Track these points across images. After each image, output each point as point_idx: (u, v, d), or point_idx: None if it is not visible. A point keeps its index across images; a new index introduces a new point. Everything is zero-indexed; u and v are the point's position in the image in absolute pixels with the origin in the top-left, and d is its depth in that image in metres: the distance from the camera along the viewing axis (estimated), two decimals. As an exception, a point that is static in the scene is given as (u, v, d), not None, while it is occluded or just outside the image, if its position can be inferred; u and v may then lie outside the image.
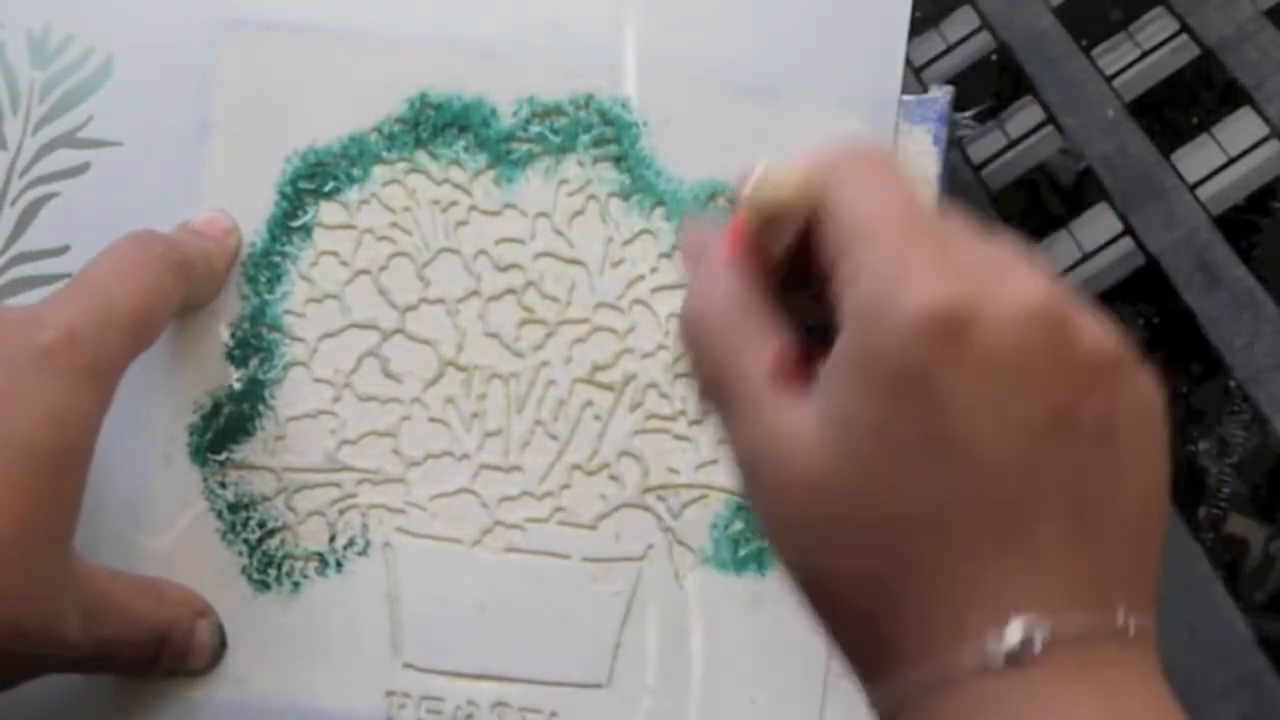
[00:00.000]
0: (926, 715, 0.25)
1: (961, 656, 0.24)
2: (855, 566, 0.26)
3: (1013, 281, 0.25)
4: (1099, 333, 0.26)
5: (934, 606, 0.25)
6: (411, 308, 0.41)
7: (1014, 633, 0.24)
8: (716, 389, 0.28)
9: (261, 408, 0.40)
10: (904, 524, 0.25)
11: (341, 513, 0.40)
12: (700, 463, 0.40)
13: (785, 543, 0.27)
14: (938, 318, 0.24)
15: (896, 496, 0.25)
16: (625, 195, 0.41)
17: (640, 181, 0.41)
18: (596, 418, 0.40)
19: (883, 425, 0.25)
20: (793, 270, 0.28)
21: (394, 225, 0.41)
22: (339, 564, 0.40)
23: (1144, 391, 0.27)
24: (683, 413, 0.40)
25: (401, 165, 0.41)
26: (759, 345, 0.27)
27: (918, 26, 0.49)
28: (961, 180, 0.49)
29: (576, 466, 0.40)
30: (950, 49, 0.50)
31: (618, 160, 0.41)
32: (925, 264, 0.25)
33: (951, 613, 0.25)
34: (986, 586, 0.24)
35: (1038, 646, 0.24)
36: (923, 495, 0.25)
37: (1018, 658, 0.24)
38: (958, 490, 0.24)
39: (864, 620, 0.26)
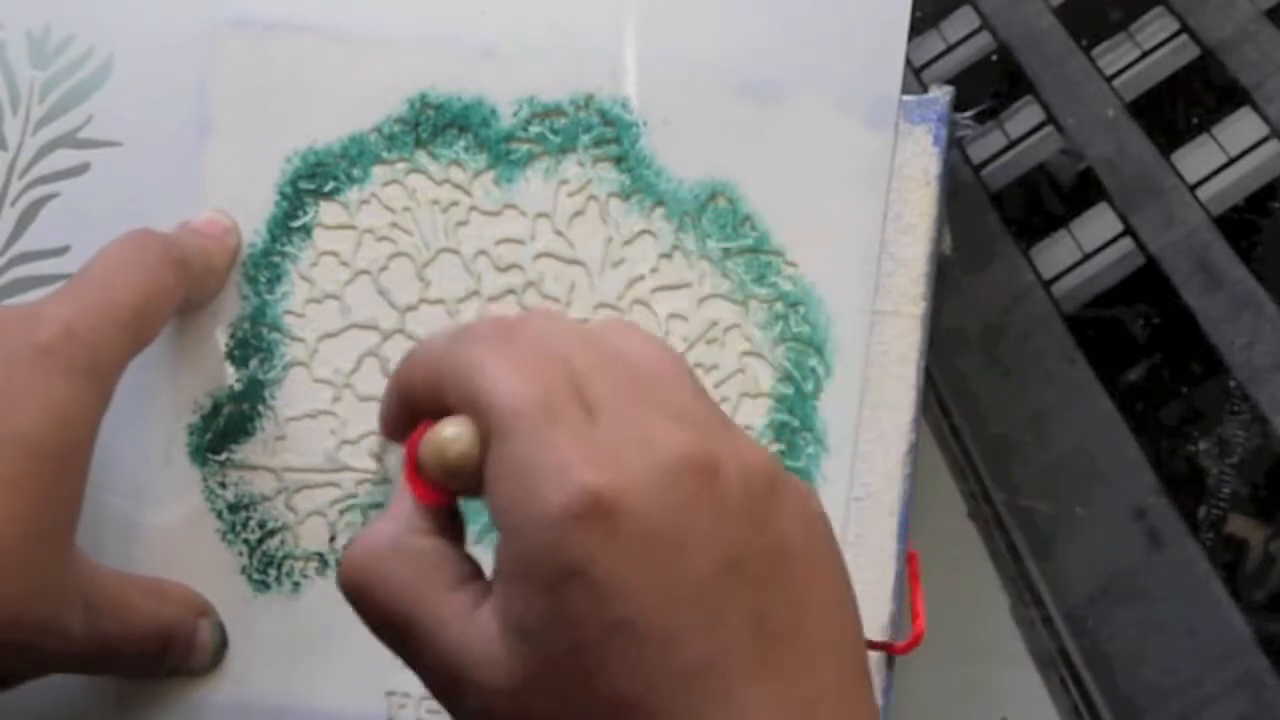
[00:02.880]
0: None
1: None
2: None
3: (653, 441, 0.25)
4: (746, 460, 0.26)
5: None
6: (411, 308, 0.41)
7: None
8: (400, 620, 0.27)
9: (261, 408, 0.40)
10: (617, 708, 0.24)
11: (341, 513, 0.40)
12: (700, 463, 0.40)
13: None
14: (581, 506, 0.24)
15: (587, 694, 0.24)
16: (625, 195, 0.41)
17: (640, 181, 0.41)
18: (596, 418, 0.40)
19: (555, 623, 0.24)
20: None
21: (394, 225, 0.41)
22: (339, 564, 0.40)
23: (802, 502, 0.26)
24: (683, 413, 0.40)
25: (401, 165, 0.41)
26: (435, 569, 0.27)
27: (918, 26, 0.49)
28: (961, 180, 0.49)
29: (576, 466, 0.40)
30: (950, 49, 0.50)
31: (618, 160, 0.41)
32: (562, 449, 0.25)
33: None
34: None
35: None
36: (615, 684, 0.24)
37: None
38: (646, 670, 0.24)
39: None
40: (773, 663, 0.25)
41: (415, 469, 0.28)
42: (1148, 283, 0.47)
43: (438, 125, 0.42)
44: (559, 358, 0.27)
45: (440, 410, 0.28)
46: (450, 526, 0.29)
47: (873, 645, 0.37)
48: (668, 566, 0.24)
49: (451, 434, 0.27)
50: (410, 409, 0.29)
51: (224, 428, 0.40)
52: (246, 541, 0.40)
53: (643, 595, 0.24)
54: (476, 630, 0.26)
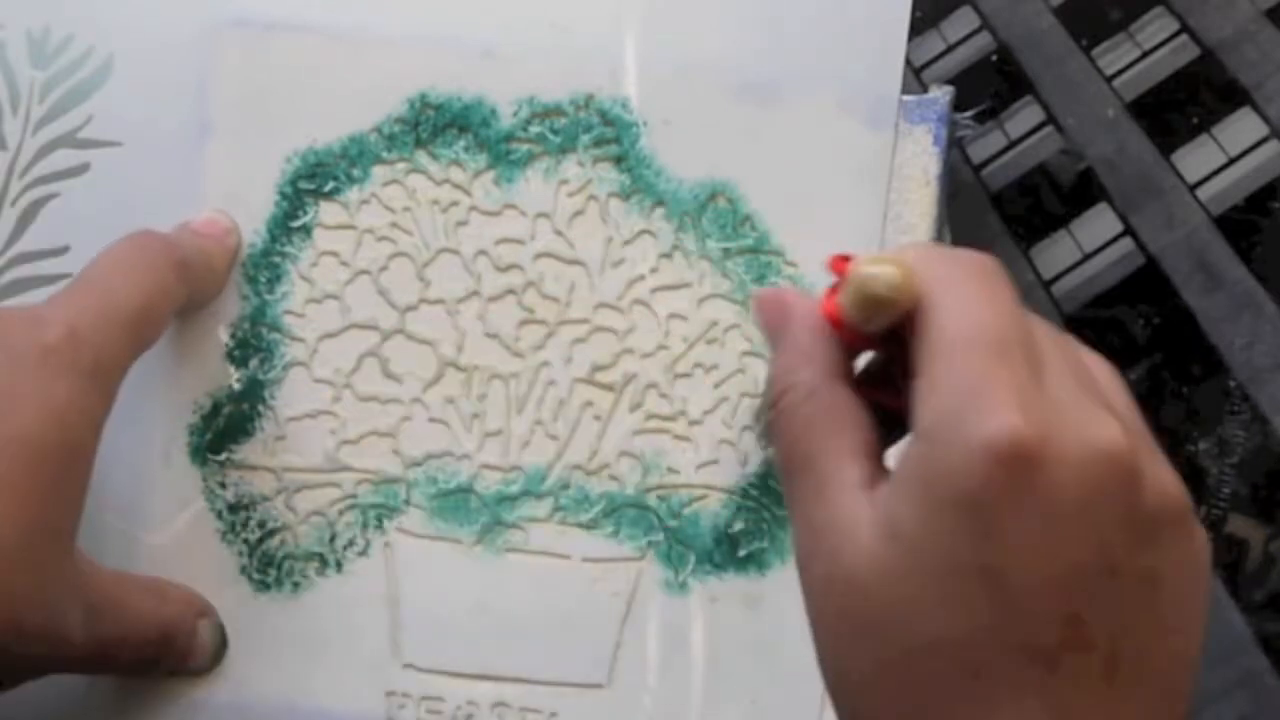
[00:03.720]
0: None
1: None
2: (874, 676, 0.25)
3: (1090, 423, 0.25)
4: (1165, 486, 0.26)
5: None
6: (411, 308, 0.41)
7: None
8: (797, 466, 0.27)
9: (261, 408, 0.40)
10: (932, 645, 0.24)
11: (341, 513, 0.40)
12: (700, 463, 0.40)
13: (819, 633, 0.27)
14: (1006, 450, 0.24)
15: (931, 616, 0.24)
16: (625, 195, 0.41)
17: (640, 181, 0.41)
18: (596, 418, 0.40)
19: (935, 545, 0.24)
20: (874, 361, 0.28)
21: (394, 225, 0.41)
22: (339, 564, 0.40)
23: (1197, 549, 0.26)
24: (683, 413, 0.40)
25: (401, 165, 0.41)
26: (849, 427, 0.27)
27: (918, 26, 0.49)
28: (961, 180, 0.49)
29: (576, 466, 0.40)
30: (950, 49, 0.50)
31: (618, 160, 0.41)
32: (1004, 392, 0.25)
33: None
34: None
35: None
36: (958, 622, 0.24)
37: None
38: (995, 625, 0.24)
39: None
40: (1106, 680, 0.25)
41: (832, 299, 0.28)
42: (1148, 283, 0.47)
43: (438, 125, 0.42)
44: (1025, 320, 0.27)
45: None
46: (865, 391, 0.28)
47: None
48: (1057, 546, 0.24)
49: (879, 269, 0.26)
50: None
51: (224, 428, 0.40)
52: (246, 541, 0.40)
53: (1024, 559, 0.24)
54: (860, 506, 0.26)
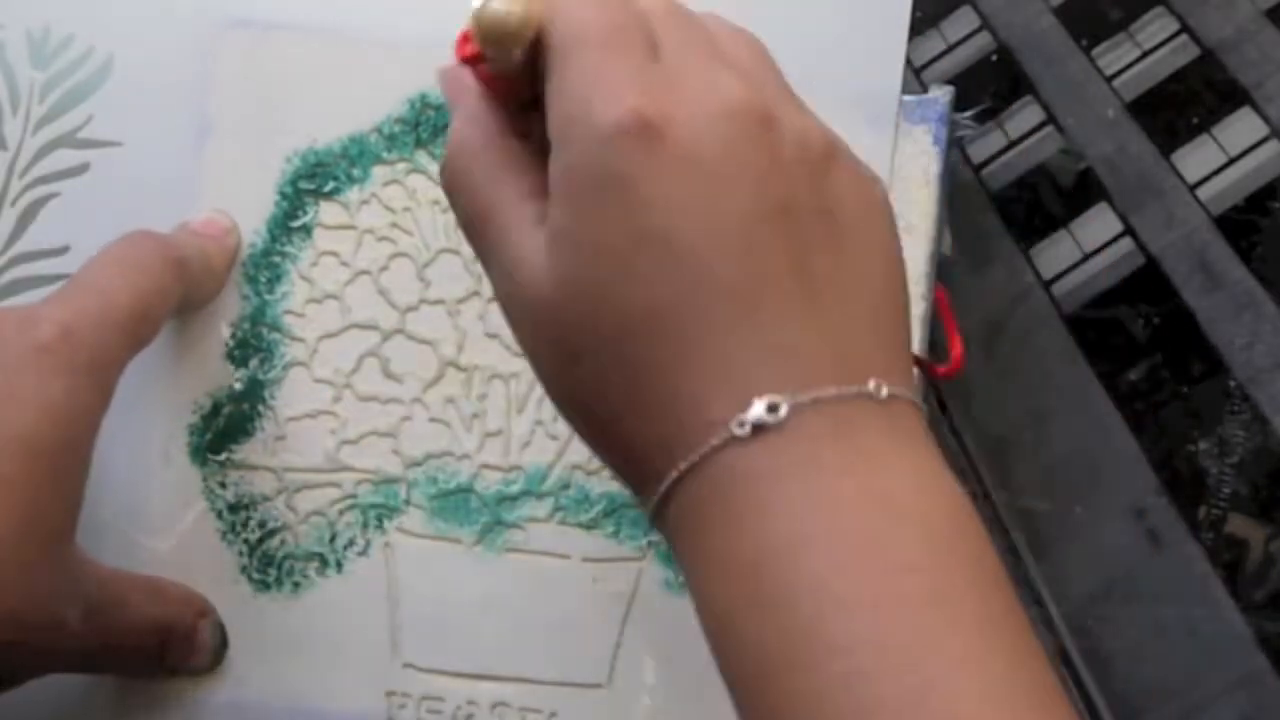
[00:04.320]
0: (687, 501, 0.26)
1: (710, 439, 0.25)
2: (598, 383, 0.26)
3: (712, 84, 0.26)
4: (803, 126, 0.27)
5: (677, 404, 0.25)
6: (411, 308, 0.41)
7: (757, 408, 0.24)
8: (478, 221, 0.29)
9: (261, 408, 0.40)
10: (633, 328, 0.25)
11: (341, 513, 0.40)
12: (700, 463, 0.40)
13: (540, 370, 0.28)
14: (632, 125, 0.25)
15: (618, 302, 0.25)
16: (625, 195, 0.41)
17: (640, 181, 0.41)
18: (596, 418, 0.40)
19: (592, 234, 0.26)
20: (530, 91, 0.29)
21: (394, 225, 0.41)
22: (339, 564, 0.40)
23: (862, 179, 0.28)
24: (683, 413, 0.40)
25: (401, 165, 0.41)
26: (515, 175, 0.28)
27: (918, 26, 0.49)
28: (961, 180, 0.49)
29: (576, 466, 0.40)
30: (950, 49, 0.50)
31: (618, 160, 0.41)
32: (620, 75, 0.26)
33: (695, 405, 0.25)
34: (726, 372, 0.25)
35: (783, 413, 0.24)
36: (643, 294, 0.25)
37: (763, 428, 0.24)
38: (675, 283, 0.25)
39: (619, 434, 0.26)
40: (809, 300, 0.25)
41: (467, 40, 0.29)
42: (1148, 283, 0.47)
43: (438, 125, 0.42)
44: (635, 5, 0.28)
45: None
46: (528, 133, 0.29)
47: (916, 361, 0.37)
48: (710, 196, 0.25)
49: (503, 4, 0.28)
50: None
51: (224, 428, 0.40)
52: (246, 541, 0.40)
53: (680, 213, 0.25)
54: (532, 243, 0.27)
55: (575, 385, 0.27)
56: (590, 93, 0.26)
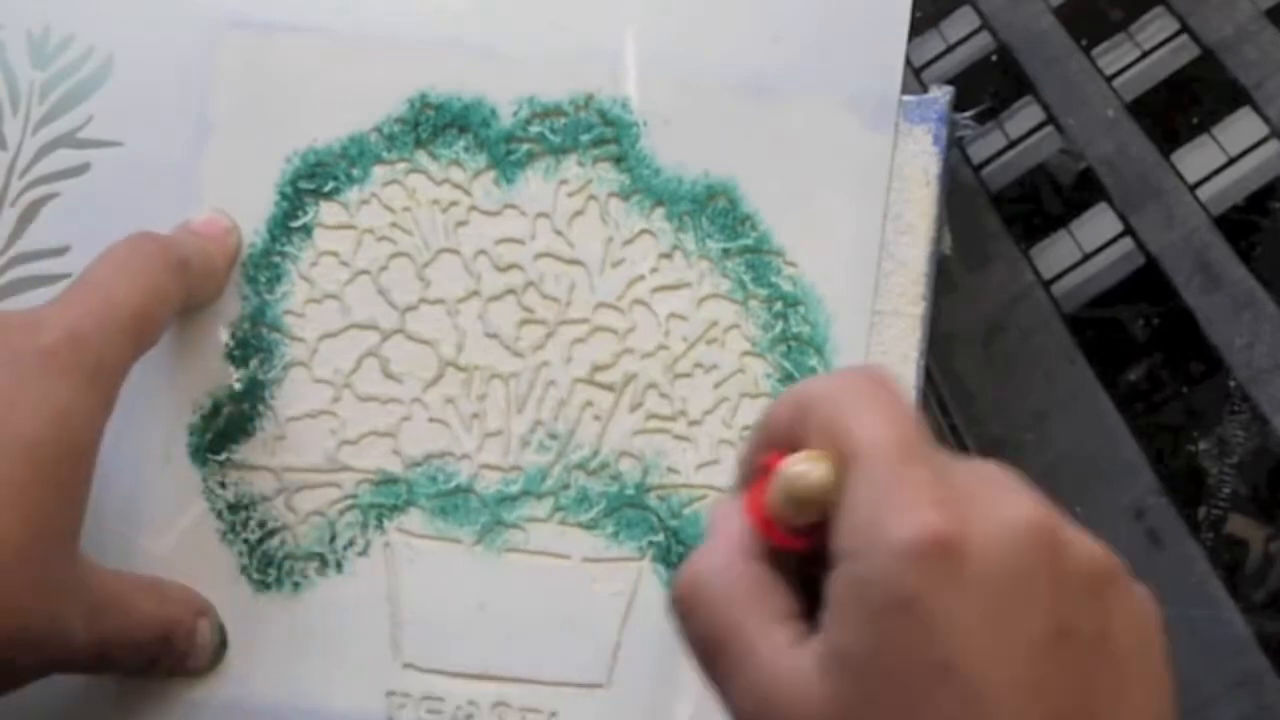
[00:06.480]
0: None
1: None
2: None
3: (1001, 502, 0.25)
4: (1090, 547, 0.26)
5: None
6: (411, 308, 0.41)
7: None
8: (716, 640, 0.27)
9: (261, 408, 0.40)
10: None
11: (341, 513, 0.40)
12: (700, 463, 0.40)
13: None
14: (929, 544, 0.24)
15: None
16: (625, 195, 0.41)
17: (640, 181, 0.41)
18: (596, 418, 0.40)
19: (880, 656, 0.24)
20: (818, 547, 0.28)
21: (394, 225, 0.41)
22: (339, 564, 0.40)
23: (1140, 603, 0.26)
24: (683, 413, 0.40)
25: (401, 165, 0.41)
26: (769, 595, 0.27)
27: (918, 26, 0.49)
28: (961, 180, 0.49)
29: (576, 466, 0.40)
30: (950, 49, 0.50)
31: (617, 160, 0.41)
32: (914, 491, 0.25)
33: None
34: None
35: None
36: None
37: None
38: (962, 715, 0.24)
39: None
40: None
41: (758, 498, 0.28)
42: (1148, 283, 0.47)
43: (438, 125, 0.42)
44: (922, 425, 0.27)
45: (798, 447, 0.28)
46: (784, 558, 0.28)
47: None
48: (1001, 621, 0.24)
49: (807, 467, 0.27)
50: (769, 442, 0.29)
51: (224, 428, 0.40)
52: (246, 541, 0.40)
53: (973, 642, 0.24)
54: (792, 663, 0.26)
55: None
56: (885, 504, 0.25)
